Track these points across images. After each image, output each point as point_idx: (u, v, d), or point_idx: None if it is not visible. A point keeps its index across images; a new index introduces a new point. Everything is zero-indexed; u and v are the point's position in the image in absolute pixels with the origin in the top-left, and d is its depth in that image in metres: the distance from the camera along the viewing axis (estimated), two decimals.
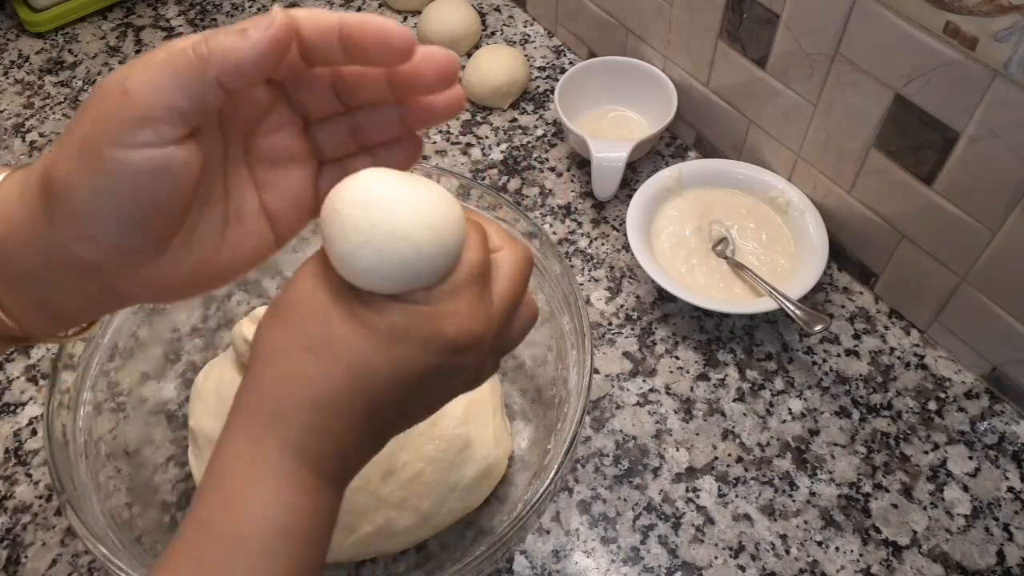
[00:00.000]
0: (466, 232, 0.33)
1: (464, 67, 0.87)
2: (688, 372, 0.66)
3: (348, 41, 0.32)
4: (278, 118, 0.35)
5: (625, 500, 0.60)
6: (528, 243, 0.60)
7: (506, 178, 0.80)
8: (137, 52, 0.93)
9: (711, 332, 0.68)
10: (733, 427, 0.63)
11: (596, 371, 0.66)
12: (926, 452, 0.62)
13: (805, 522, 0.58)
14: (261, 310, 0.59)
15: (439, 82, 0.33)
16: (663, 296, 0.70)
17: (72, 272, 0.33)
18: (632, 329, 0.69)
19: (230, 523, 0.31)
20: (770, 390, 0.65)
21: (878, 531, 0.58)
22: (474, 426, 0.57)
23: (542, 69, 0.90)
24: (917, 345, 0.67)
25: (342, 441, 0.33)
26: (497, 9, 0.96)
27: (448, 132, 0.84)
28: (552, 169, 0.80)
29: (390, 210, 0.30)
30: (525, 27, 0.94)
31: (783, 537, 0.58)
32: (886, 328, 0.68)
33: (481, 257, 0.33)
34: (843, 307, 0.70)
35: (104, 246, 0.31)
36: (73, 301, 0.35)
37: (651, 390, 0.65)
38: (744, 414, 0.64)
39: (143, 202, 0.31)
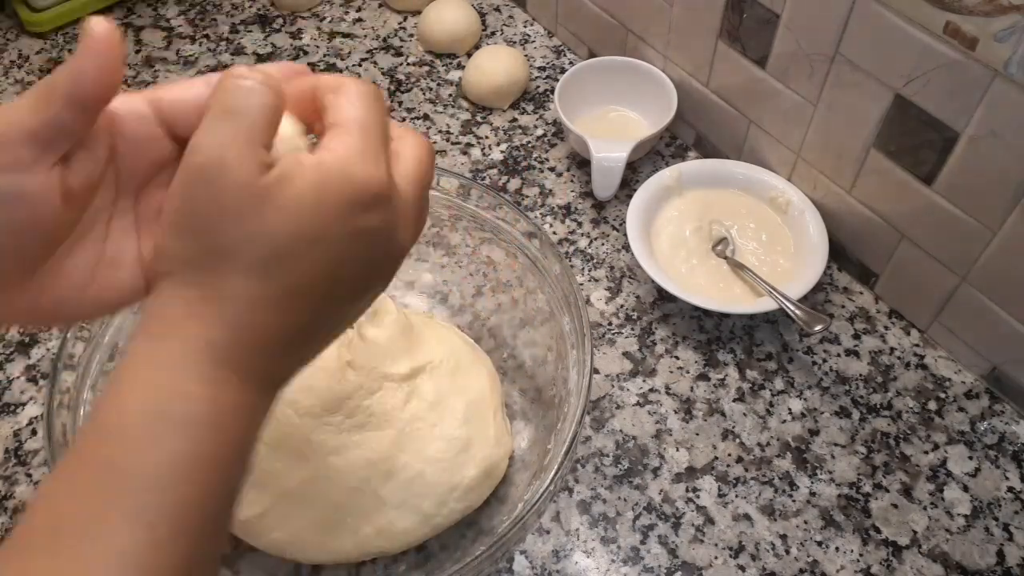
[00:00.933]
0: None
1: (465, 67, 0.87)
2: (688, 372, 0.66)
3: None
4: (170, 174, 0.35)
5: (625, 500, 0.60)
6: (528, 243, 0.60)
7: (506, 178, 0.80)
8: (137, 52, 0.93)
9: (711, 332, 0.68)
10: (733, 427, 0.63)
11: (596, 371, 0.66)
12: (926, 452, 0.62)
13: (805, 522, 0.58)
14: None
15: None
16: (663, 296, 0.70)
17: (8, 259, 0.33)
18: (632, 329, 0.69)
19: (113, 412, 0.30)
20: (770, 390, 0.65)
21: (878, 531, 0.58)
22: (474, 426, 0.57)
23: (542, 69, 0.90)
24: (917, 345, 0.67)
25: (257, 334, 0.32)
26: (497, 9, 0.96)
27: (448, 132, 0.84)
28: (552, 169, 0.80)
29: None
30: (525, 27, 0.94)
31: (783, 537, 0.58)
32: (886, 328, 0.68)
33: (365, 115, 0.33)
34: (843, 307, 0.70)
35: None
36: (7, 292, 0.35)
37: (651, 390, 0.65)
38: (744, 414, 0.64)
39: (1, 226, 0.31)
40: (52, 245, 0.33)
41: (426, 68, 0.90)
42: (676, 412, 0.64)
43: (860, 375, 0.66)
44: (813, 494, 0.60)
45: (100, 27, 0.31)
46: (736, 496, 0.60)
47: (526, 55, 0.90)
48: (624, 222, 0.70)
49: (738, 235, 0.72)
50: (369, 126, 0.33)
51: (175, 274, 0.32)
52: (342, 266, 0.33)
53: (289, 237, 0.31)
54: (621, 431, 0.63)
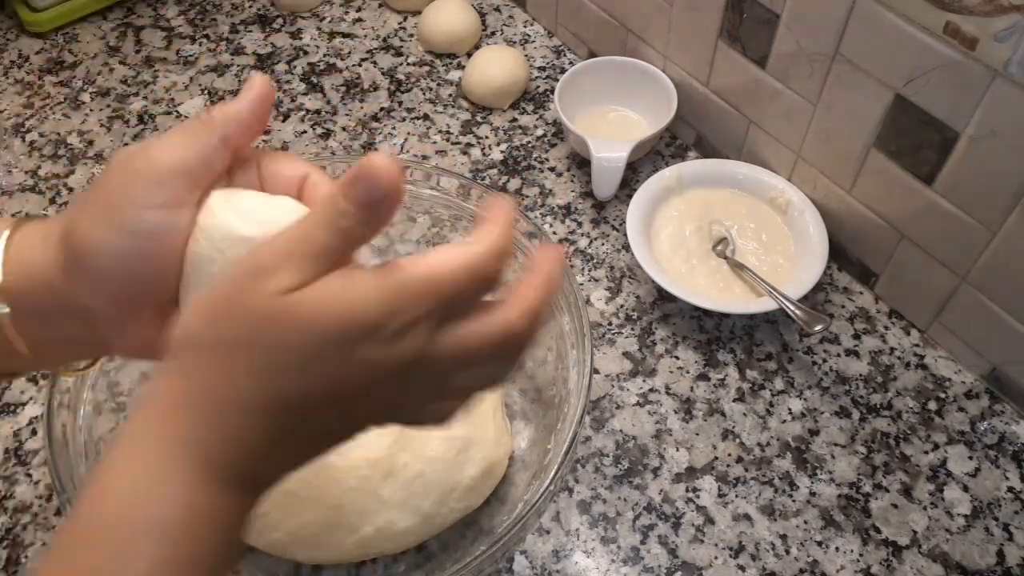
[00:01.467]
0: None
1: (465, 67, 0.87)
2: (688, 372, 0.66)
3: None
4: None
5: (625, 500, 0.60)
6: (528, 243, 0.60)
7: (506, 178, 0.80)
8: (137, 52, 0.93)
9: (711, 332, 0.68)
10: (733, 427, 0.63)
11: (596, 371, 0.66)
12: (926, 452, 0.62)
13: (805, 522, 0.58)
14: None
15: None
16: (663, 296, 0.70)
17: (74, 320, 0.35)
18: (632, 329, 0.69)
19: (96, 515, 0.31)
20: (770, 390, 0.65)
21: (878, 531, 0.58)
22: (474, 426, 0.57)
23: (542, 69, 0.90)
24: (917, 345, 0.67)
25: (240, 437, 0.31)
26: (497, 9, 0.96)
27: (448, 132, 0.84)
28: (552, 169, 0.80)
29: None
30: (525, 27, 0.94)
31: (783, 537, 0.58)
32: (886, 328, 0.68)
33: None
34: (843, 307, 0.70)
35: (111, 301, 0.34)
36: (67, 343, 0.38)
37: (651, 390, 0.65)
38: (744, 414, 0.64)
39: (155, 262, 0.34)
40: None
41: (426, 68, 0.90)
42: (676, 412, 0.64)
43: (860, 375, 0.66)
44: (813, 494, 0.60)
45: (260, 80, 0.35)
46: (736, 496, 0.60)
47: (526, 55, 0.90)
48: (624, 222, 0.70)
49: (738, 235, 0.72)
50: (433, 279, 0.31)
51: (179, 355, 0.32)
52: (341, 388, 0.32)
53: (294, 352, 0.30)
54: (621, 431, 0.63)
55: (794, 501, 0.59)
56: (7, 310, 0.36)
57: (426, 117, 0.85)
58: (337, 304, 0.30)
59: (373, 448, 0.54)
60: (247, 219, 0.33)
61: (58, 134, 0.85)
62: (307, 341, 0.30)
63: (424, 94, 0.88)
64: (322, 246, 0.30)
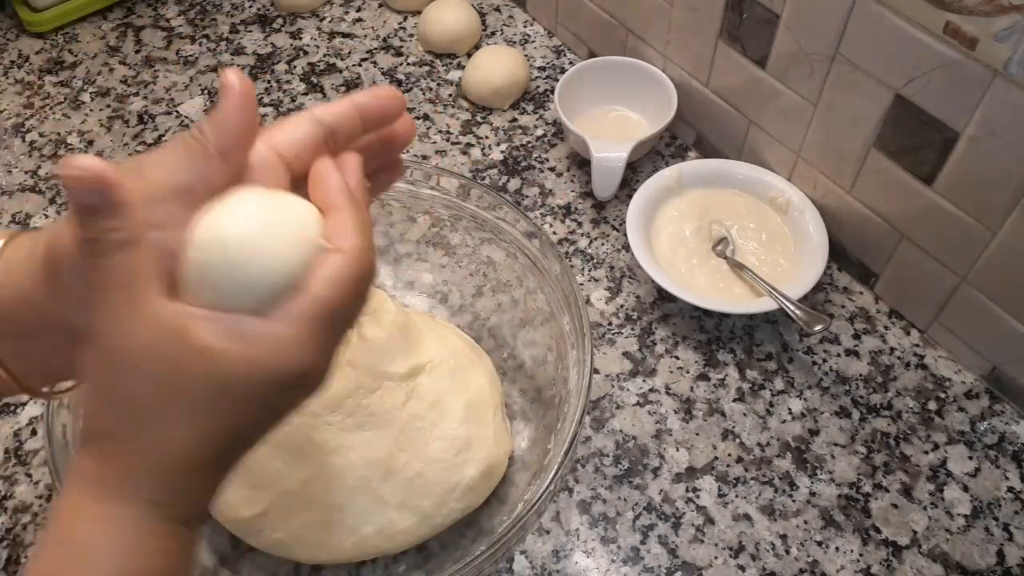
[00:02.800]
0: (312, 263, 0.32)
1: (465, 67, 0.87)
2: (688, 372, 0.66)
3: (366, 118, 0.37)
4: None
5: (625, 500, 0.60)
6: (528, 243, 0.60)
7: (506, 178, 0.80)
8: (137, 52, 0.93)
9: (711, 332, 0.68)
10: (733, 427, 0.63)
11: (596, 371, 0.66)
12: (926, 452, 0.62)
13: (805, 522, 0.58)
14: None
15: (397, 115, 0.39)
16: (663, 296, 0.70)
17: (62, 335, 0.34)
18: (632, 329, 0.69)
19: (79, 573, 0.31)
20: (770, 390, 0.65)
21: (878, 531, 0.58)
22: (474, 426, 0.57)
23: (542, 69, 0.90)
24: (917, 345, 0.67)
25: (195, 490, 0.33)
26: (497, 9, 0.96)
27: (448, 132, 0.84)
28: (552, 169, 0.80)
29: (228, 232, 0.32)
30: (525, 27, 0.94)
31: (783, 537, 0.58)
32: (886, 328, 0.68)
33: (326, 295, 0.32)
34: (843, 307, 0.70)
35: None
36: (59, 361, 0.37)
37: (651, 390, 0.65)
38: (744, 414, 0.64)
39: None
40: None
41: (426, 68, 0.90)
42: (676, 412, 0.64)
43: (860, 375, 0.66)
44: (813, 494, 0.60)
45: (234, 77, 0.33)
46: (736, 496, 0.60)
47: (526, 55, 0.90)
48: (624, 222, 0.70)
49: (738, 235, 0.72)
50: (326, 307, 0.32)
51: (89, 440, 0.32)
52: (252, 422, 0.33)
53: (211, 392, 0.31)
54: (621, 431, 0.63)
55: (794, 501, 0.59)
56: None
57: (426, 117, 0.85)
58: (275, 363, 0.31)
59: (373, 448, 0.54)
60: (248, 222, 0.32)
61: (58, 134, 0.85)
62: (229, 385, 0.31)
63: (424, 94, 0.88)
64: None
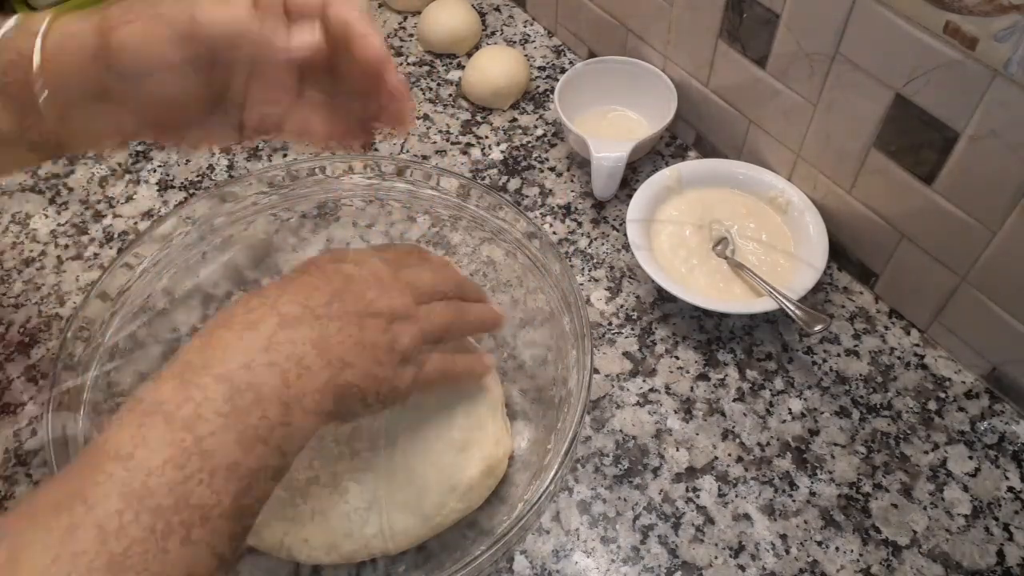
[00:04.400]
0: None
1: (464, 67, 0.87)
2: (688, 372, 0.66)
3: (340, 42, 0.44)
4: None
5: (625, 500, 0.60)
6: (528, 243, 0.60)
7: (506, 178, 0.80)
8: None
9: (711, 332, 0.68)
10: (733, 427, 0.63)
11: (596, 371, 0.66)
12: (926, 452, 0.62)
13: (805, 522, 0.58)
14: None
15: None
16: (663, 296, 0.70)
17: (106, 103, 0.41)
18: (632, 329, 0.69)
19: None
20: (770, 390, 0.65)
21: (878, 531, 0.58)
22: (474, 426, 0.57)
23: (542, 69, 0.90)
24: (917, 345, 0.67)
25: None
26: (497, 9, 0.96)
27: (448, 132, 0.84)
28: (552, 169, 0.80)
29: None
30: (525, 27, 0.94)
31: (783, 537, 0.58)
32: (886, 328, 0.68)
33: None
34: (843, 307, 0.70)
35: (160, 94, 0.41)
36: (103, 125, 0.43)
37: (651, 390, 0.65)
38: (744, 414, 0.64)
39: (220, 63, 0.41)
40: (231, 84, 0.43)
41: (426, 68, 0.90)
42: (676, 412, 0.64)
43: (860, 375, 0.66)
44: (813, 494, 0.60)
45: None
46: (736, 496, 0.60)
47: (526, 55, 0.90)
48: (624, 222, 0.70)
49: (738, 235, 0.72)
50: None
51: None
52: None
53: None
54: (621, 431, 0.63)
55: (794, 501, 0.59)
56: (46, 93, 0.39)
57: (426, 117, 0.85)
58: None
59: (373, 448, 0.54)
60: None
61: None
62: None
63: (424, 94, 0.88)
64: None
